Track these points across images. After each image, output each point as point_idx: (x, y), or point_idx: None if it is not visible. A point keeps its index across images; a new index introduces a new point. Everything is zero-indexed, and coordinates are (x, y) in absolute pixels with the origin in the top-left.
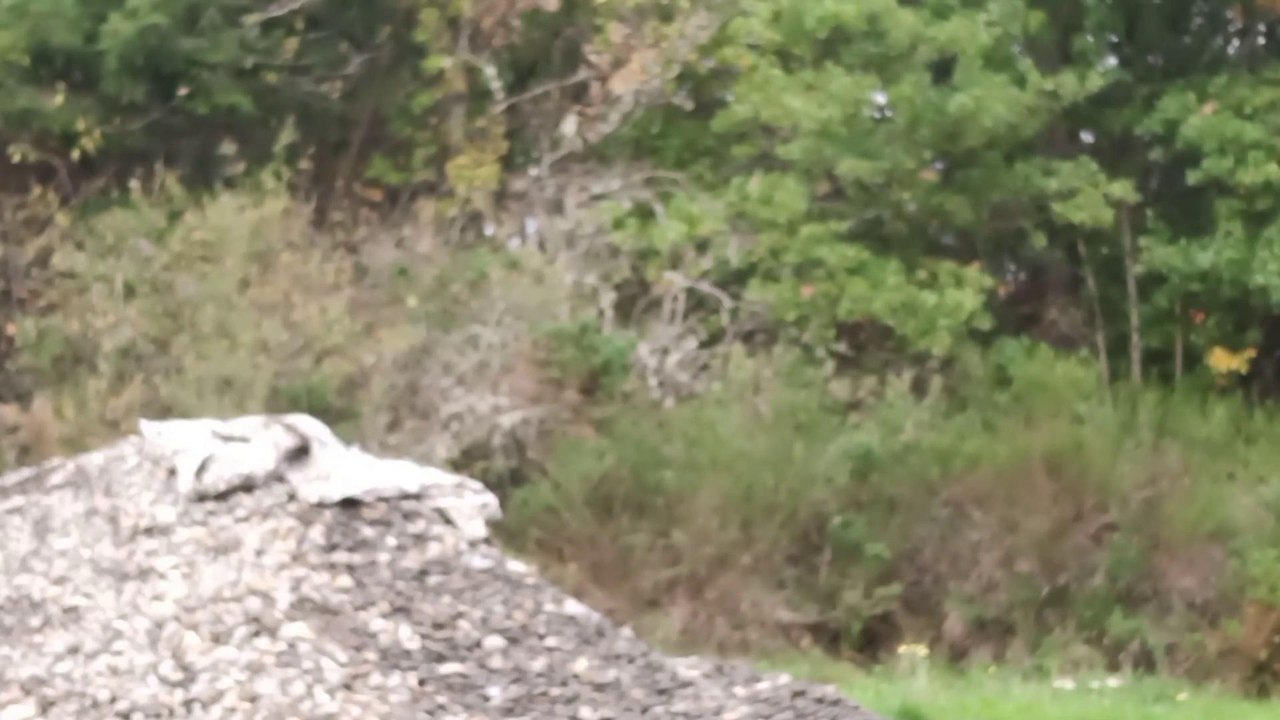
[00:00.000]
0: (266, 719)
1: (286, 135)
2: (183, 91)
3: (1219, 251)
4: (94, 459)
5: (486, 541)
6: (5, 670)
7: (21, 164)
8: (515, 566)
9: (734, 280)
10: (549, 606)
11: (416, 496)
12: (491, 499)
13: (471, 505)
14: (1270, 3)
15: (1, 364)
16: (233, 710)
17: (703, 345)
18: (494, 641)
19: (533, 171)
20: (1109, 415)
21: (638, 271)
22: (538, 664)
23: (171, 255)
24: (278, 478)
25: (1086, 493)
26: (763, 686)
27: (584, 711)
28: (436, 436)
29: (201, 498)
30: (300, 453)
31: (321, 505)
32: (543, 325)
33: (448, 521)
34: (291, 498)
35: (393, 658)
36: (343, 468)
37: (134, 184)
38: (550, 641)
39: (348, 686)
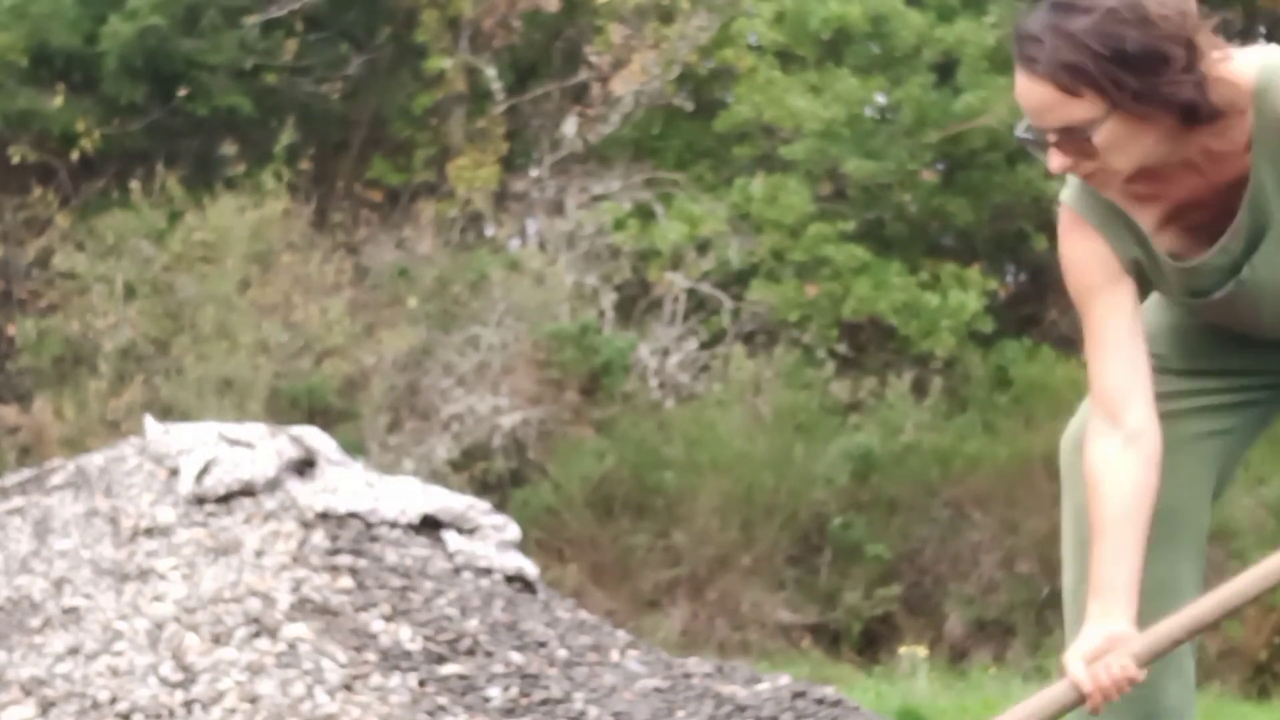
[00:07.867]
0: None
1: (287, 136)
2: (182, 93)
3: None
4: (94, 459)
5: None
6: (5, 671)
7: (21, 165)
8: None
9: (735, 281)
10: (558, 612)
11: (419, 526)
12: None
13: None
14: (1270, 3)
15: (1, 364)
16: (233, 711)
17: (703, 346)
18: (496, 645)
19: (533, 172)
20: None
21: (638, 272)
22: (538, 666)
23: (172, 256)
24: (279, 487)
25: None
26: (763, 687)
27: (585, 713)
28: (437, 437)
29: (200, 501)
30: (305, 465)
31: (326, 515)
32: (543, 326)
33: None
34: (293, 505)
35: (393, 659)
36: (347, 485)
37: (134, 185)
38: (552, 645)
39: (348, 687)
